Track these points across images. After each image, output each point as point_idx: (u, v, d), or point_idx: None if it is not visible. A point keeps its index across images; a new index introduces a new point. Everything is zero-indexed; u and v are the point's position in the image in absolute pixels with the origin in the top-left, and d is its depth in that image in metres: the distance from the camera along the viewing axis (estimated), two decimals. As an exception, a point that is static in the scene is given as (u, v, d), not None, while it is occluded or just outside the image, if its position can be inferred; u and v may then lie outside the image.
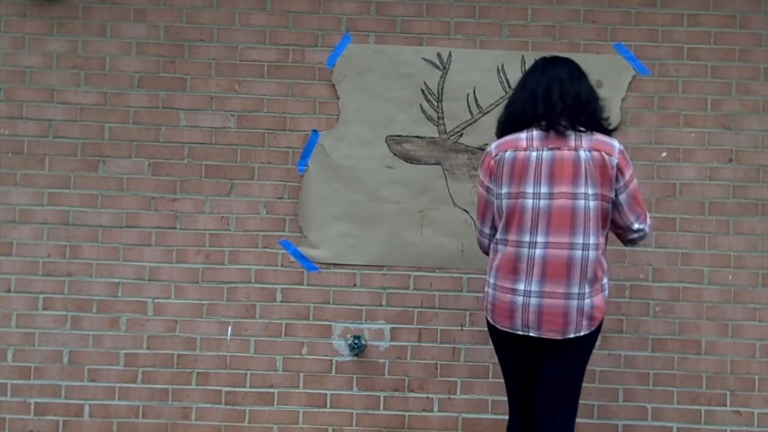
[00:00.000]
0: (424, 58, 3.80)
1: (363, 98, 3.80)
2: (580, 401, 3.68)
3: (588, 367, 3.69)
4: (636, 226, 2.93)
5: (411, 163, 3.79)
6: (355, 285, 3.79)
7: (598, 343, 3.72)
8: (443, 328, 3.77)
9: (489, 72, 3.78)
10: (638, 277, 3.77)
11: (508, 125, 2.99)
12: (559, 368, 2.90)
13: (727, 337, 3.76)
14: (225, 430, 3.76)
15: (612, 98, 3.73)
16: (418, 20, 3.82)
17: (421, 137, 3.79)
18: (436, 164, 3.78)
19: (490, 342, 3.13)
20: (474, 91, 3.78)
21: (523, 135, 2.91)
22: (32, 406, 3.75)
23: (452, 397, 3.77)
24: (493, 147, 2.98)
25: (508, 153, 2.90)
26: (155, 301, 3.78)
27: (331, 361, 3.78)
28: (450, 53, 3.80)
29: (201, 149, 3.81)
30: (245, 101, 3.82)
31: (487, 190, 2.99)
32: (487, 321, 3.01)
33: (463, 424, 3.75)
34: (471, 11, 3.82)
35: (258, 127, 3.81)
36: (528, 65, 3.70)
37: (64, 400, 3.75)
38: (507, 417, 3.16)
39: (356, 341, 3.74)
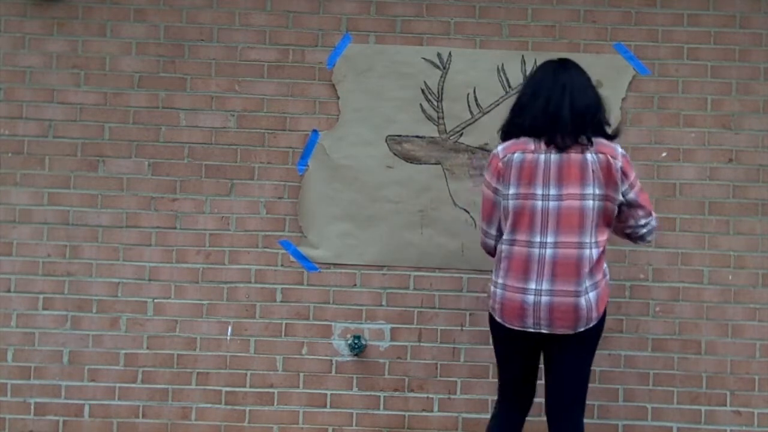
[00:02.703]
0: (424, 58, 3.80)
1: (363, 98, 3.79)
2: (580, 401, 3.70)
3: (588, 367, 3.73)
4: (643, 221, 3.03)
5: (411, 163, 3.79)
6: (355, 285, 3.79)
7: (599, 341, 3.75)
8: (443, 328, 3.77)
9: (489, 72, 3.78)
10: (638, 277, 3.77)
11: (515, 131, 3.04)
12: (572, 361, 3.01)
13: (727, 337, 3.76)
14: (225, 430, 3.76)
15: (612, 98, 3.73)
16: (418, 20, 3.82)
17: (421, 137, 3.79)
18: (436, 164, 3.78)
19: (491, 341, 3.20)
20: (474, 91, 3.78)
21: (530, 138, 2.99)
22: (32, 406, 3.75)
23: (452, 397, 3.76)
24: (500, 149, 3.04)
25: (516, 155, 2.98)
26: (155, 301, 3.78)
27: (331, 361, 3.78)
28: (450, 53, 3.80)
29: (201, 149, 3.81)
30: (245, 101, 3.82)
31: (495, 191, 3.04)
32: (492, 319, 3.06)
33: (463, 424, 3.75)
34: (471, 11, 3.82)
35: (258, 127, 3.81)
36: (528, 65, 3.73)
37: (64, 400, 3.75)
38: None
39: (356, 341, 3.74)
